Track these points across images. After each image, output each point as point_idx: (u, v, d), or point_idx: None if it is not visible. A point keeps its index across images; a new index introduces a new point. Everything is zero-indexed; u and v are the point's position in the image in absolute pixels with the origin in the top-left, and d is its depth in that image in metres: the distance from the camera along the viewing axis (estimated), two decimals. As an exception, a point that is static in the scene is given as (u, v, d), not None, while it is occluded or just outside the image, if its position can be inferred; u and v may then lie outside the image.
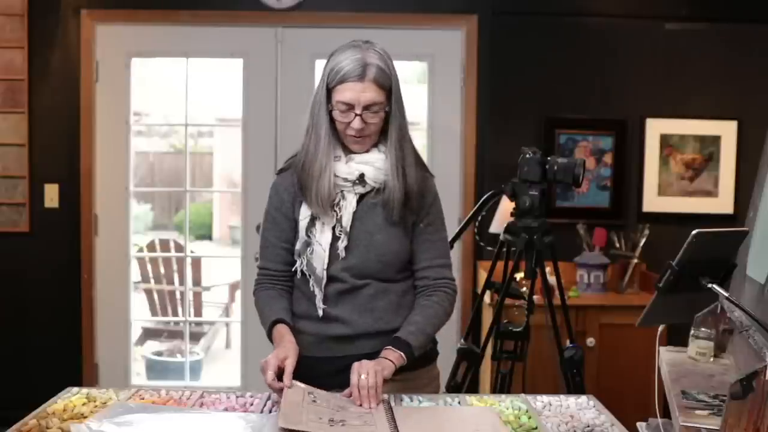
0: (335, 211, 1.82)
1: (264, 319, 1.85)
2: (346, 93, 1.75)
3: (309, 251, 1.84)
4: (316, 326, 1.86)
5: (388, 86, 1.78)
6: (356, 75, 1.74)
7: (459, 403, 1.72)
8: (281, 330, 1.79)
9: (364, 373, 1.64)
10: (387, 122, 1.82)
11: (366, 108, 1.76)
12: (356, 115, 1.76)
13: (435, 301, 1.86)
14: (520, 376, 2.65)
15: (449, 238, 2.01)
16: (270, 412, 1.63)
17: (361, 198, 1.85)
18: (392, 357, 1.74)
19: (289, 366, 1.66)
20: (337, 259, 1.83)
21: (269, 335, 1.82)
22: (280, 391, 1.62)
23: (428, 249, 1.89)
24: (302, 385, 1.64)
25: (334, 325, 1.85)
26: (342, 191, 1.83)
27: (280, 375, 1.65)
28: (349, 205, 1.83)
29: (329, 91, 1.78)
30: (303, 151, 1.84)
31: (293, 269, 1.87)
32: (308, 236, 1.83)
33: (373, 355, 1.84)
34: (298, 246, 1.85)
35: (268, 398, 1.70)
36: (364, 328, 1.85)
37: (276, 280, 1.90)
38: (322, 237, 1.82)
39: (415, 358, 1.79)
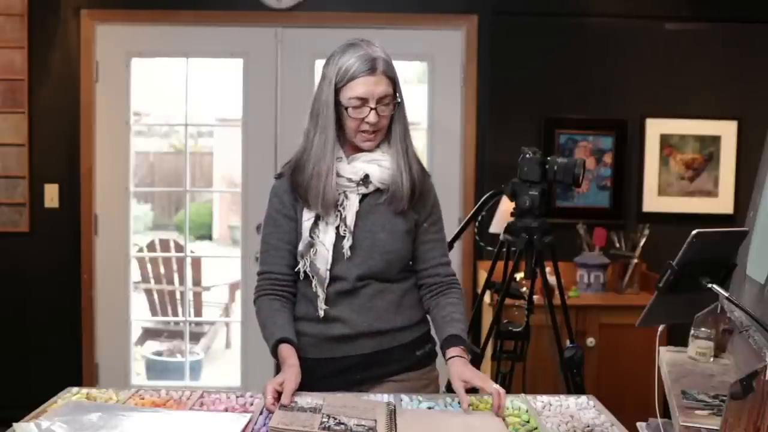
0: (339, 211, 1.82)
1: (267, 335, 1.81)
2: (358, 88, 1.76)
3: (312, 252, 1.83)
4: (316, 327, 1.85)
5: (395, 79, 1.81)
6: (367, 69, 1.75)
7: (459, 403, 1.72)
8: (284, 352, 1.75)
9: (496, 392, 1.63)
10: (393, 117, 1.83)
11: (379, 101, 1.77)
12: (371, 108, 1.76)
13: (458, 299, 1.90)
14: (520, 376, 2.65)
15: (449, 239, 2.03)
16: (270, 413, 1.62)
17: (363, 197, 1.84)
18: (465, 355, 1.77)
19: (288, 389, 1.62)
20: (341, 260, 1.82)
21: (273, 353, 1.78)
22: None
23: (435, 247, 1.92)
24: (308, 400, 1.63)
25: (334, 326, 1.84)
26: (345, 191, 1.83)
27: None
28: (352, 205, 1.82)
29: (337, 92, 1.78)
30: (305, 153, 1.83)
31: (296, 270, 1.86)
32: (312, 237, 1.83)
33: (373, 356, 1.85)
34: (301, 247, 1.84)
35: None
36: (364, 328, 1.84)
37: (279, 286, 1.86)
38: (326, 237, 1.82)
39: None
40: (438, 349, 1.96)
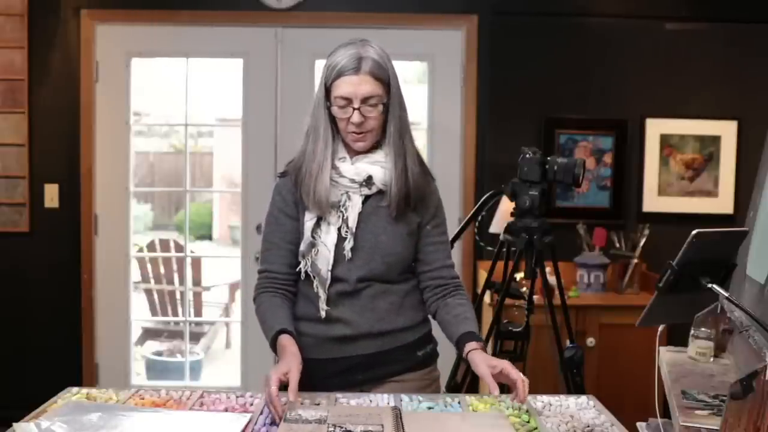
0: (341, 212, 1.81)
1: (266, 329, 1.79)
2: (343, 87, 1.75)
3: (314, 252, 1.82)
4: (317, 328, 1.84)
5: (386, 79, 1.78)
6: (352, 68, 1.74)
7: (459, 403, 1.72)
8: (284, 341, 1.72)
9: (520, 379, 1.62)
10: (387, 118, 1.81)
11: (364, 101, 1.75)
12: (354, 109, 1.75)
13: (467, 300, 1.90)
14: (520, 376, 2.64)
15: (449, 239, 2.02)
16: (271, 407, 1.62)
17: (366, 199, 1.83)
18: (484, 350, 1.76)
19: (293, 380, 1.59)
20: (342, 261, 1.82)
21: (272, 346, 1.76)
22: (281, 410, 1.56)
23: (439, 250, 1.91)
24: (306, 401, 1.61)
25: (335, 326, 1.84)
26: (347, 192, 1.82)
27: (284, 387, 1.60)
28: (354, 206, 1.81)
29: (328, 90, 1.78)
30: (301, 152, 1.84)
31: (297, 270, 1.85)
32: (313, 237, 1.82)
33: (375, 356, 1.85)
34: (302, 247, 1.83)
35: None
36: (365, 329, 1.84)
37: (279, 284, 1.85)
38: (328, 238, 1.81)
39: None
40: (439, 349, 1.97)
